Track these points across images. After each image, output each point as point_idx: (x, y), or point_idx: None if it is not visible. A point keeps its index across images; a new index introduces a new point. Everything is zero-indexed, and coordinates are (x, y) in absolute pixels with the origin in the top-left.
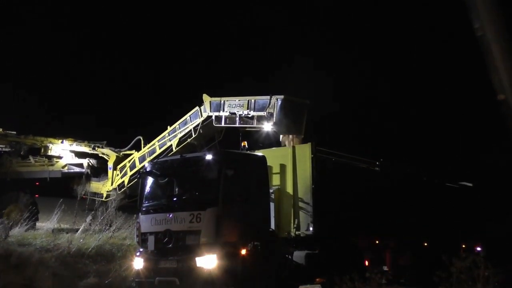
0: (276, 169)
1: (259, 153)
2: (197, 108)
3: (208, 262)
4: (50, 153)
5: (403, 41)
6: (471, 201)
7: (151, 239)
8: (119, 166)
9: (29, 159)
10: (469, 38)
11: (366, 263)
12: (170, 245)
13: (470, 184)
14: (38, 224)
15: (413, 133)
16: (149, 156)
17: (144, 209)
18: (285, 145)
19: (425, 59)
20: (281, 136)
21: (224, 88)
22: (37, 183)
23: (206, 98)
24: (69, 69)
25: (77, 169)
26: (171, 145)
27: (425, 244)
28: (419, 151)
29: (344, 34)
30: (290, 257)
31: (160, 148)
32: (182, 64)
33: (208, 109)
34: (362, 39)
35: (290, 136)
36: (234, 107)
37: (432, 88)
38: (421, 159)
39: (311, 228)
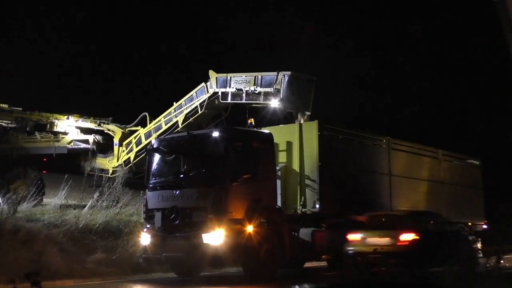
0: (282, 146)
1: (266, 130)
2: (203, 84)
3: (214, 238)
4: (55, 129)
5: (410, 11)
6: (477, 178)
7: (158, 216)
8: (125, 142)
9: (35, 135)
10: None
11: None
12: (177, 222)
13: (477, 162)
14: (45, 200)
15: (420, 109)
16: (155, 132)
17: (151, 185)
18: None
19: (432, 27)
20: (298, 114)
21: (230, 64)
22: (44, 159)
23: (212, 74)
24: (74, 46)
25: (83, 145)
26: (177, 121)
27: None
28: (427, 128)
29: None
30: (296, 234)
31: (166, 125)
32: (188, 39)
33: (214, 85)
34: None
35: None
36: (240, 83)
37: (442, 61)
38: (429, 136)
39: (317, 206)
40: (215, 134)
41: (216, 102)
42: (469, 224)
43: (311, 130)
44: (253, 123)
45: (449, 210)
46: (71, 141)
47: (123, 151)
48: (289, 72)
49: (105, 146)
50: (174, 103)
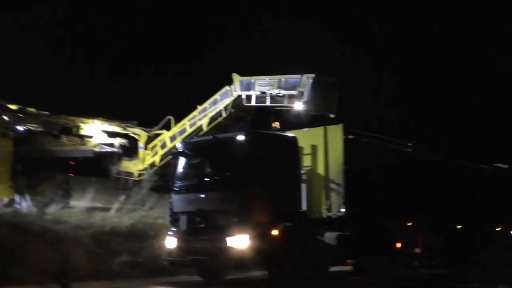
0: (307, 150)
1: (290, 133)
2: (226, 87)
3: (239, 242)
4: (81, 132)
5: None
6: (506, 183)
7: (183, 219)
8: (149, 146)
9: (62, 139)
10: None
11: (398, 245)
12: (202, 225)
13: (506, 166)
14: (72, 202)
15: (446, 113)
16: (180, 136)
17: (176, 189)
18: None
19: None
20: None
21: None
22: (71, 163)
23: (236, 77)
24: (99, 48)
25: (108, 149)
26: (201, 124)
27: (458, 227)
28: (452, 132)
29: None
30: (321, 238)
31: (190, 128)
32: (211, 44)
33: (238, 88)
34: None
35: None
36: (264, 86)
37: (464, 66)
38: (454, 140)
39: (342, 210)
40: (240, 137)
41: (240, 105)
42: (497, 229)
43: (336, 134)
44: (278, 126)
45: (477, 216)
46: (97, 145)
47: (148, 154)
48: (313, 75)
49: (130, 150)
50: (198, 106)
